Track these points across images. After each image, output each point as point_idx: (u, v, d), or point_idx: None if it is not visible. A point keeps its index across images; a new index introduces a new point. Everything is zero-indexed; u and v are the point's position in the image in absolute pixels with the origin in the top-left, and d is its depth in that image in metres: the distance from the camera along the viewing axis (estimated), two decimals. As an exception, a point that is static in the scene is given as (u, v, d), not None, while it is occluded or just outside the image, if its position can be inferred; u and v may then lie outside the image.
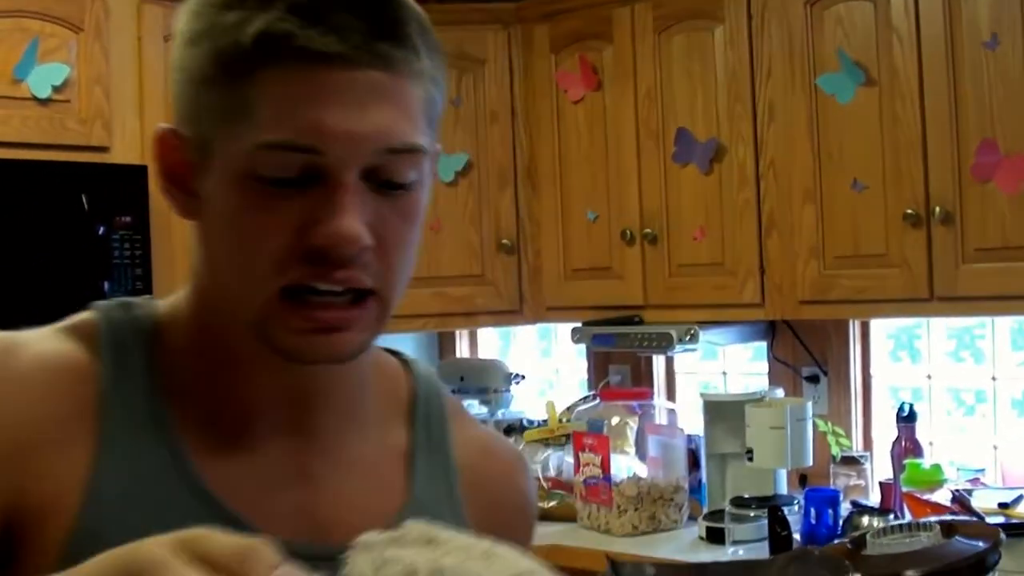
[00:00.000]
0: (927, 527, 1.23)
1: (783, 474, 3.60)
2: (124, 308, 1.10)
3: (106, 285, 3.24)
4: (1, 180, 3.12)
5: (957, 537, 1.19)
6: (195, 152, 1.01)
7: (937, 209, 3.13)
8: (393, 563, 0.73)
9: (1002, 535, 1.16)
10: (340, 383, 1.10)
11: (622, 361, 4.31)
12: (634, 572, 0.88)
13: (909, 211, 3.18)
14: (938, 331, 3.80)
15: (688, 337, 3.60)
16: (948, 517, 1.38)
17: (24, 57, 3.23)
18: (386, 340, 4.53)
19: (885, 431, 3.75)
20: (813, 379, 3.86)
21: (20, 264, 3.12)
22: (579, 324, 3.91)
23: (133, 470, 1.01)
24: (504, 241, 4.05)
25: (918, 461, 3.41)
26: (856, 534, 1.25)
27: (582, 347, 4.27)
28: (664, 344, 3.64)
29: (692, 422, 3.85)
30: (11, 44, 3.22)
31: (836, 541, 1.08)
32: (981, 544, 1.16)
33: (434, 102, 1.03)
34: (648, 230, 3.73)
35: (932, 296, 3.21)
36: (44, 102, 3.25)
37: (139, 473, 1.01)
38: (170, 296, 1.12)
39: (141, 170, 3.31)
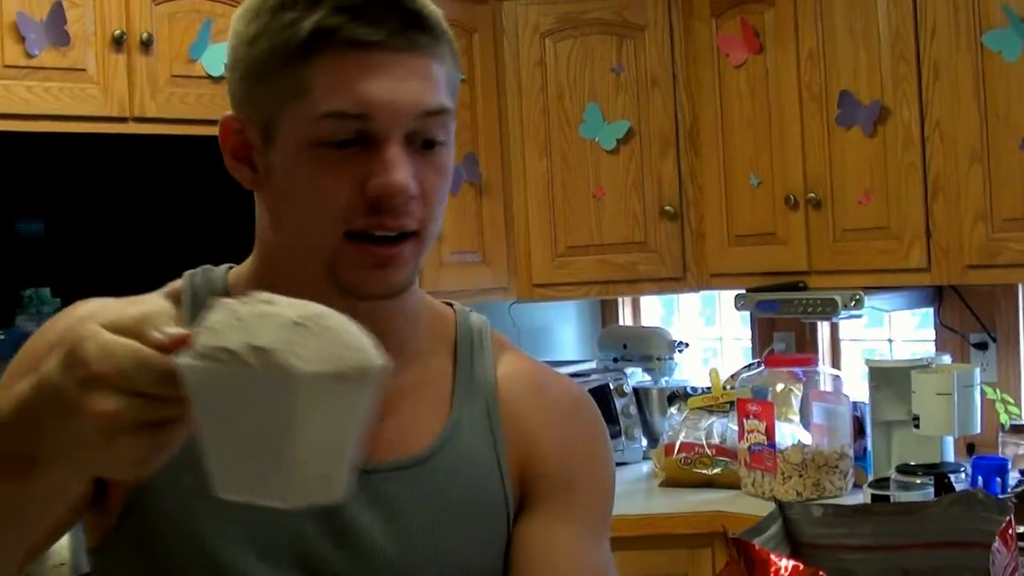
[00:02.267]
0: (1095, 482, 1.22)
1: (950, 442, 3.55)
2: (204, 273, 1.37)
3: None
4: (179, 156, 3.23)
5: None
6: (257, 132, 1.24)
7: (1112, 169, 3.06)
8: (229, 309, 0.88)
9: None
10: (393, 322, 1.29)
11: (786, 328, 4.28)
12: (801, 511, 0.90)
13: (1082, 172, 3.11)
14: (1114, 295, 3.70)
15: (853, 303, 3.57)
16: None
17: (199, 37, 3.33)
18: (550, 307, 4.63)
19: (1058, 398, 3.67)
20: (981, 346, 3.79)
21: (194, 238, 3.23)
22: (743, 291, 3.90)
23: None
24: (667, 207, 4.05)
25: (1092, 428, 3.34)
26: (1022, 488, 1.25)
27: (746, 314, 4.26)
28: (829, 310, 3.61)
29: (857, 389, 3.81)
30: (186, 24, 3.33)
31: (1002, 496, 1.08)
32: None
33: (452, 78, 1.26)
34: (812, 194, 3.69)
35: (1106, 259, 3.13)
36: (217, 80, 3.35)
37: None
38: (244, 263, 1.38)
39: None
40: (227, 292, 1.31)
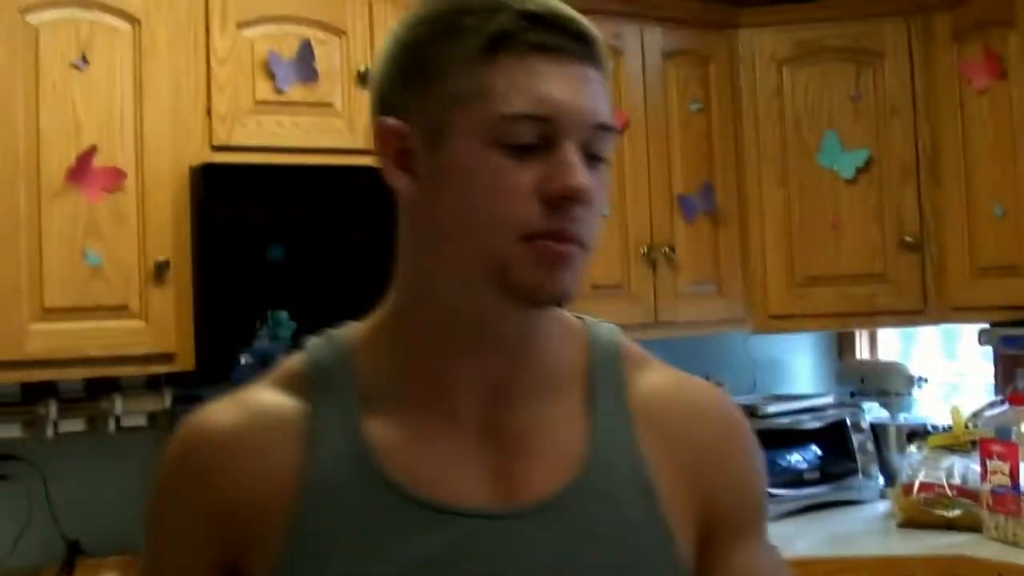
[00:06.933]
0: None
1: None
2: (328, 341, 1.30)
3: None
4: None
5: None
6: (422, 137, 1.20)
7: None
8: None
9: None
10: (540, 345, 1.27)
11: (1031, 364, 4.13)
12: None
13: None
14: None
15: (1105, 338, 3.42)
16: None
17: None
18: (784, 339, 4.58)
19: None
20: None
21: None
22: (986, 325, 3.77)
23: (336, 495, 1.21)
24: (907, 238, 3.95)
25: None
26: None
27: (988, 349, 4.12)
28: (1078, 346, 3.47)
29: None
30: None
31: None
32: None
33: (611, 100, 1.23)
34: (1062, 226, 3.56)
35: None
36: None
37: (339, 491, 1.21)
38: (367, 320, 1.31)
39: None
40: (354, 352, 1.27)
